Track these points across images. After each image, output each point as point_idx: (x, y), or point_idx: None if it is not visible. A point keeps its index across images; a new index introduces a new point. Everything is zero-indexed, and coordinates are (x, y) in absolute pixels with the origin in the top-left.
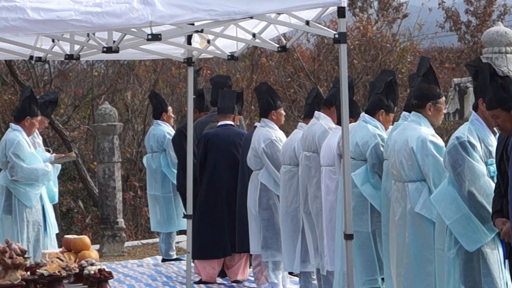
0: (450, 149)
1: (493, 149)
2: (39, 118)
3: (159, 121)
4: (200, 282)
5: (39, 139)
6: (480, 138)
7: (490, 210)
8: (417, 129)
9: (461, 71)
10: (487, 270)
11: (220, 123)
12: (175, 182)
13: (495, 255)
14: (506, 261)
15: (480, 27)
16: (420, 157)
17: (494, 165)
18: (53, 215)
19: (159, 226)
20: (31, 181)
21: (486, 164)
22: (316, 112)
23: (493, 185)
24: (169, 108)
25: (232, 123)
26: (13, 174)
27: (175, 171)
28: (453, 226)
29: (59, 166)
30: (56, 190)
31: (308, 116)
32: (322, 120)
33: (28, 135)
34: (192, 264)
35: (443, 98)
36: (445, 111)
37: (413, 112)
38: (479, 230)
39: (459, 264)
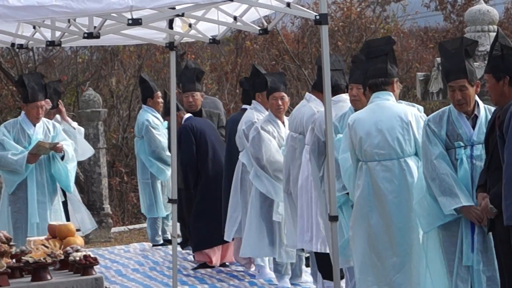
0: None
1: (464, 131)
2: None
3: (145, 107)
4: (199, 266)
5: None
6: (451, 121)
7: (439, 192)
8: (403, 106)
9: None
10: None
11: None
12: (150, 170)
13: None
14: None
15: (466, 7)
16: (417, 131)
17: (461, 148)
18: (35, 205)
19: (145, 211)
20: (1, 167)
21: (454, 147)
22: (307, 94)
23: (442, 167)
24: (157, 93)
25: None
26: None
27: (152, 160)
28: (415, 207)
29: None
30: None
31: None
32: (312, 103)
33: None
34: (187, 252)
35: None
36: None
37: (381, 92)
38: (433, 213)
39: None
